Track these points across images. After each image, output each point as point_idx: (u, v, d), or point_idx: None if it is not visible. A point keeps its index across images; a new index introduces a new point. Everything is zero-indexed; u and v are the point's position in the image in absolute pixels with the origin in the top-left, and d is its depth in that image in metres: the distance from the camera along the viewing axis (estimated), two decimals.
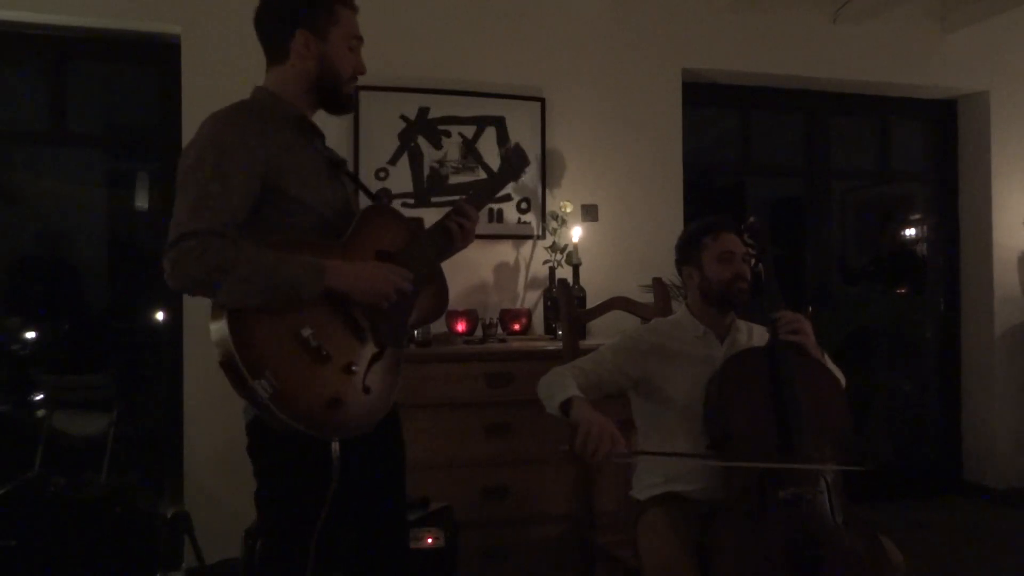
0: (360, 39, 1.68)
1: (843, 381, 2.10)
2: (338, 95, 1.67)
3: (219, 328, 1.40)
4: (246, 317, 1.40)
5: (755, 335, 2.19)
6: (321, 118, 1.74)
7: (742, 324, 2.20)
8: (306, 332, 1.45)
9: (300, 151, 1.61)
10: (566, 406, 1.86)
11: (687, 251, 2.18)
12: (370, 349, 1.55)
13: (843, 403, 2.00)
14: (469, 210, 1.77)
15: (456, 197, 3.53)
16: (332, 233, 1.60)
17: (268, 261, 1.43)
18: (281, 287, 1.42)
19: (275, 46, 1.64)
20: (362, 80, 1.74)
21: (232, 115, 1.55)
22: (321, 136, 1.73)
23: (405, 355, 1.71)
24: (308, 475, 1.53)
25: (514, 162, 1.94)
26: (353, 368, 1.50)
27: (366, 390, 1.52)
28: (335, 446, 1.49)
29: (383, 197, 1.70)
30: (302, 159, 1.61)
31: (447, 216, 1.76)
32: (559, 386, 1.95)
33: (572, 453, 1.71)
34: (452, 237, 1.74)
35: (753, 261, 2.11)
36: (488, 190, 1.93)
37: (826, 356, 2.09)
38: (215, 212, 1.43)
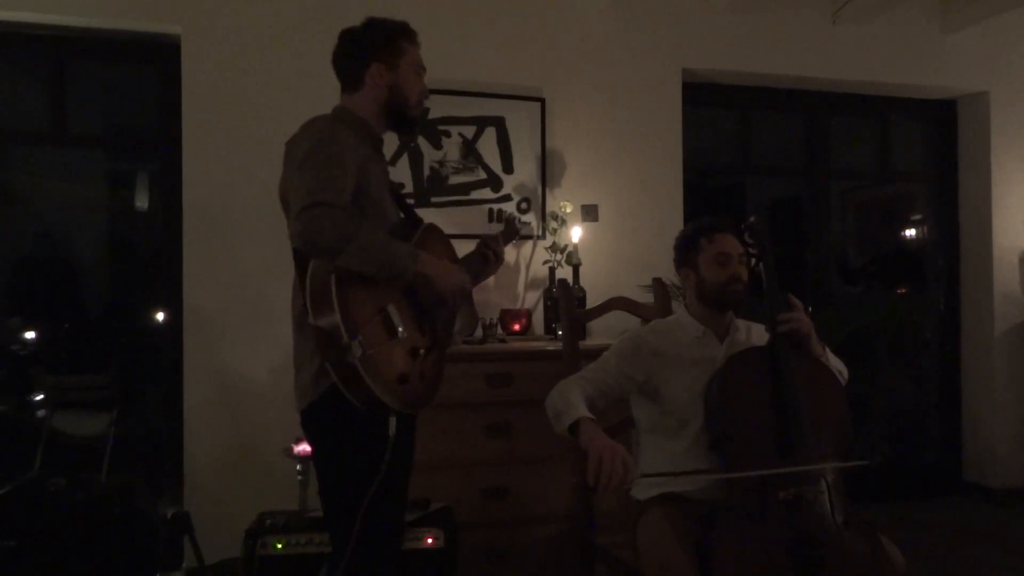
0: (424, 68, 1.96)
1: (846, 373, 2.11)
2: (405, 117, 1.93)
3: (324, 292, 1.57)
4: (347, 285, 1.59)
5: (754, 333, 2.19)
6: None
7: (741, 323, 2.20)
8: (391, 310, 1.66)
9: (376, 165, 1.86)
10: (574, 428, 1.83)
11: (684, 252, 2.18)
12: (428, 340, 1.76)
13: (843, 402, 2.01)
14: (495, 242, 2.09)
15: (456, 197, 3.54)
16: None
17: (381, 237, 1.64)
18: (390, 261, 1.63)
19: (351, 76, 1.90)
20: None
21: (334, 120, 1.81)
22: (386, 160, 1.99)
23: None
24: (366, 449, 1.70)
25: (507, 232, 2.25)
26: (420, 352, 1.71)
27: (422, 376, 1.72)
28: (392, 421, 1.66)
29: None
30: (378, 172, 1.85)
31: (479, 246, 2.08)
32: (565, 404, 1.92)
33: (584, 484, 1.68)
34: (487, 261, 2.06)
35: (754, 261, 2.11)
36: (507, 237, 2.23)
37: (827, 351, 2.10)
38: (338, 190, 1.63)
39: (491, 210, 3.57)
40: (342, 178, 1.66)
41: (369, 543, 1.74)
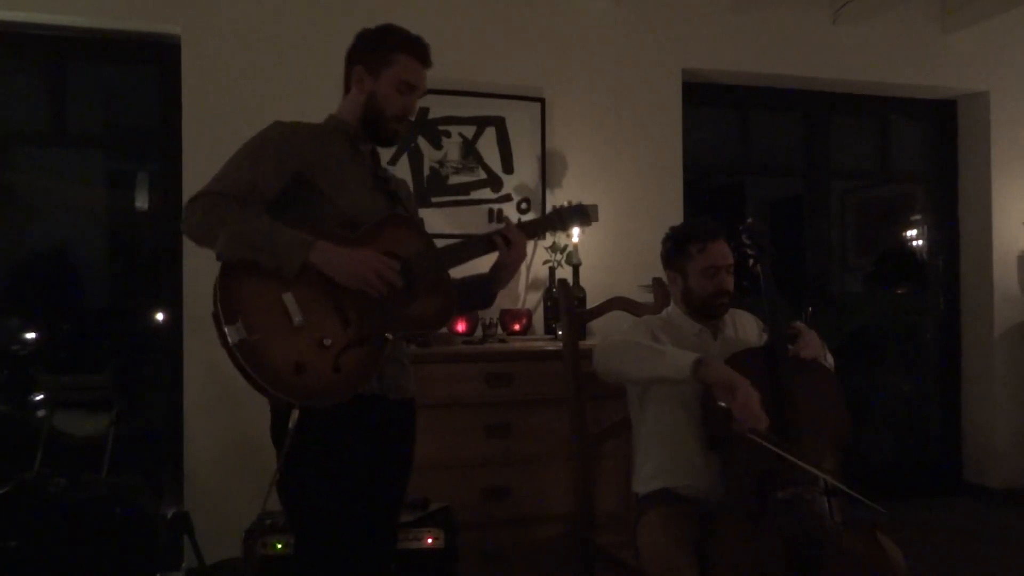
0: (412, 87, 1.86)
1: (831, 360, 2.13)
2: (379, 129, 1.86)
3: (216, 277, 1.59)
4: (237, 270, 1.58)
5: (738, 322, 2.22)
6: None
7: (726, 315, 2.21)
8: (287, 298, 1.60)
9: (346, 162, 1.81)
10: (697, 367, 1.80)
11: (673, 256, 2.16)
12: (352, 333, 1.65)
13: (842, 402, 2.02)
14: (513, 230, 1.86)
15: (456, 198, 3.54)
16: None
17: (264, 226, 1.61)
18: (267, 248, 1.58)
19: (345, 77, 1.89)
20: None
21: (289, 122, 1.79)
22: (375, 155, 1.93)
23: (410, 353, 1.87)
24: (277, 439, 1.72)
25: (564, 216, 2.02)
26: (325, 343, 1.61)
27: (336, 368, 1.62)
28: (294, 414, 1.60)
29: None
30: (345, 168, 1.80)
31: (493, 231, 1.88)
32: (653, 349, 1.91)
33: (726, 412, 1.73)
34: (493, 247, 1.85)
35: (752, 262, 2.11)
36: (534, 226, 2.02)
37: (825, 347, 2.11)
38: (236, 181, 1.65)
39: (491, 210, 3.57)
40: (250, 171, 1.66)
41: (312, 544, 1.71)
